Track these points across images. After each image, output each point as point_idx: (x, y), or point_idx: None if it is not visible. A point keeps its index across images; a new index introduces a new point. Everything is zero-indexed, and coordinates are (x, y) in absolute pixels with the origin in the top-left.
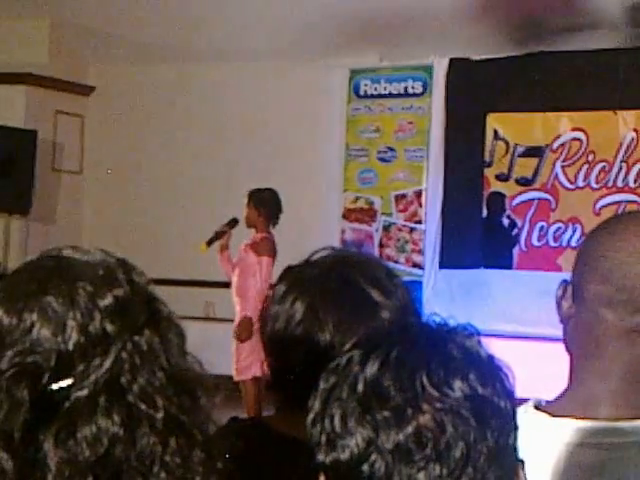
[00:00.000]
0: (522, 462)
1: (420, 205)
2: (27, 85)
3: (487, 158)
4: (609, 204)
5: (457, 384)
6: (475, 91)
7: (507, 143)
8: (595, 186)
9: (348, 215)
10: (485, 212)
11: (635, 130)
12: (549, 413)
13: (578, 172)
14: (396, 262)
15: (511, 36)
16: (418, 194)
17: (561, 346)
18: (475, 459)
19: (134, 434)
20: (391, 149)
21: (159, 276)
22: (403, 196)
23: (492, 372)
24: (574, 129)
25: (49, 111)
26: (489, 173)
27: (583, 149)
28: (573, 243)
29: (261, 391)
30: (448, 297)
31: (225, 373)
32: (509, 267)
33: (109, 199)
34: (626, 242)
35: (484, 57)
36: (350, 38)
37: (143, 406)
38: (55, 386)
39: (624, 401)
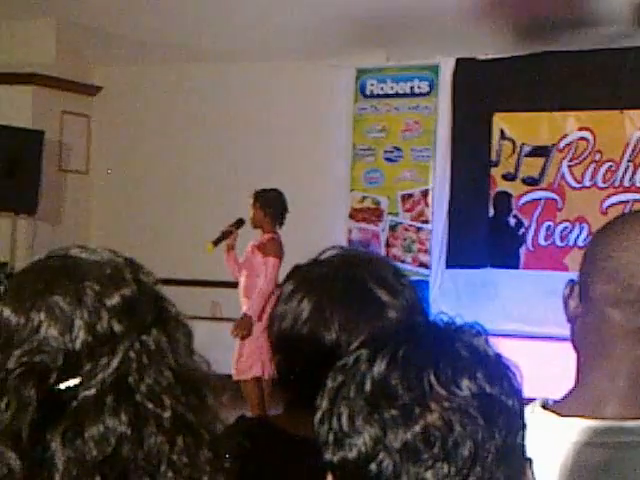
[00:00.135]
0: (530, 461)
1: (427, 205)
2: (33, 85)
3: (494, 158)
4: (616, 203)
5: (465, 383)
6: (481, 91)
7: (514, 143)
8: (602, 185)
9: (355, 215)
10: (492, 212)
11: None
12: (556, 412)
13: (585, 171)
14: (403, 262)
15: (517, 36)
16: (424, 194)
17: (567, 345)
18: (483, 458)
19: (141, 433)
20: (397, 149)
21: (165, 276)
22: (410, 196)
23: (500, 371)
24: (581, 129)
25: (55, 111)
26: (496, 173)
27: (590, 148)
28: (580, 243)
29: (264, 391)
30: (455, 297)
31: (232, 373)
32: (516, 267)
33: (115, 199)
34: (633, 241)
35: (490, 57)
36: (356, 38)
37: (150, 405)
38: (62, 385)
39: (631, 400)
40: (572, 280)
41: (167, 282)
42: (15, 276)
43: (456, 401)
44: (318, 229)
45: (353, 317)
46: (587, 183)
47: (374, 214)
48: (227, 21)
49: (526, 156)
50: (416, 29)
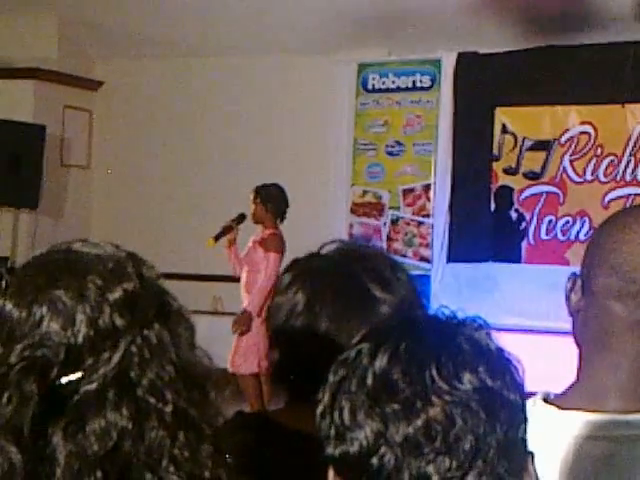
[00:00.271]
0: (532, 455)
1: (428, 199)
2: (35, 80)
3: (495, 152)
4: (617, 197)
5: (466, 377)
6: (483, 85)
7: (515, 137)
8: (603, 180)
9: (356, 209)
10: (493, 206)
11: None
12: (558, 406)
13: (586, 166)
14: (404, 256)
15: (519, 30)
16: (426, 188)
17: (569, 340)
18: (484, 452)
19: (143, 428)
20: (399, 143)
21: (167, 270)
22: (411, 190)
23: (502, 365)
24: (582, 123)
25: (57, 106)
26: (497, 167)
27: (591, 143)
28: (581, 237)
29: (262, 386)
30: (456, 291)
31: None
32: (517, 261)
33: (117, 194)
34: (635, 235)
35: (492, 51)
36: (358, 32)
37: (152, 400)
38: (64, 380)
39: (633, 394)
40: (574, 274)
41: (168, 276)
42: (17, 270)
43: (458, 395)
44: (319, 224)
45: (343, 312)
46: (588, 177)
47: (375, 208)
48: (229, 16)
49: (528, 150)
50: (418, 23)
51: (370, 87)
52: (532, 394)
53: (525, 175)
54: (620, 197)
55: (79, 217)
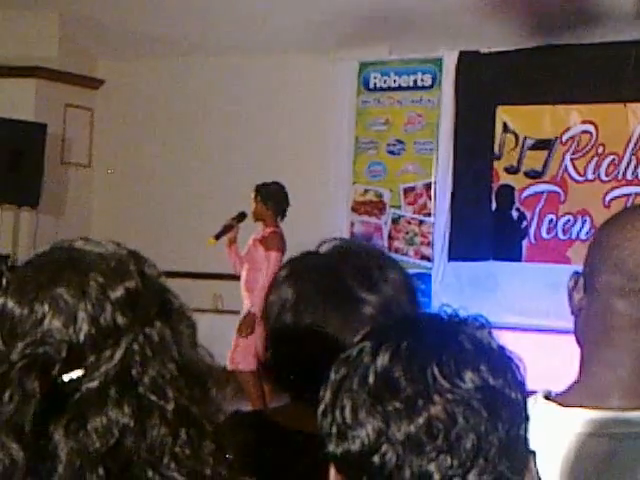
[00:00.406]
0: (533, 453)
1: (429, 198)
2: (37, 78)
3: (496, 151)
4: (619, 196)
5: (468, 375)
6: (484, 84)
7: (516, 136)
8: (605, 179)
9: (357, 208)
10: (494, 205)
11: None
12: (559, 404)
13: (587, 165)
14: (405, 255)
15: (520, 29)
16: (427, 187)
17: (570, 338)
18: (486, 450)
19: (144, 425)
20: (400, 142)
21: (167, 268)
22: (412, 189)
23: (503, 363)
24: (584, 122)
25: (58, 104)
26: (498, 166)
27: (592, 142)
28: (582, 235)
29: (263, 384)
30: (457, 290)
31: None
32: (518, 260)
33: (118, 192)
34: (638, 232)
35: (494, 50)
36: (359, 31)
37: (154, 397)
38: (66, 377)
39: (634, 391)
40: (576, 272)
41: (169, 275)
42: (19, 268)
43: (459, 393)
44: (320, 222)
45: (324, 311)
46: (590, 176)
47: (376, 207)
48: (230, 15)
49: (529, 149)
50: (419, 22)
51: (371, 86)
52: (533, 393)
53: (526, 174)
54: (621, 196)
55: (80, 215)
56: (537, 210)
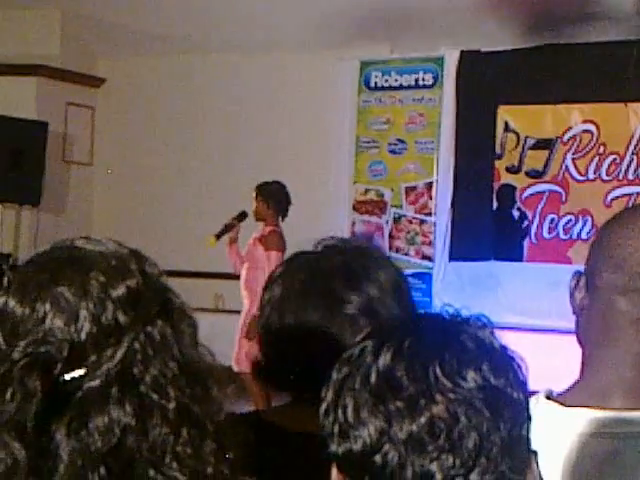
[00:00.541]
0: (535, 453)
1: (430, 197)
2: (38, 77)
3: (498, 150)
4: (620, 196)
5: (470, 375)
6: (486, 83)
7: (518, 135)
8: (606, 178)
9: (358, 207)
10: (495, 204)
11: None
12: (561, 403)
13: (589, 164)
14: (406, 254)
15: (522, 28)
16: (428, 186)
17: (571, 338)
18: (488, 450)
19: (146, 424)
20: (401, 141)
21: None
22: (413, 188)
23: (505, 363)
24: (585, 121)
25: (60, 103)
26: (499, 165)
27: (594, 141)
28: (583, 235)
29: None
30: (458, 289)
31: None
32: (519, 259)
33: (119, 190)
34: (639, 231)
35: (495, 49)
36: (361, 30)
37: (155, 396)
38: (67, 376)
39: (637, 391)
40: (578, 272)
41: (169, 274)
42: (20, 267)
43: (461, 393)
44: (321, 222)
45: (305, 310)
46: (591, 176)
47: (378, 206)
48: (232, 13)
49: (530, 149)
50: (420, 21)
51: (372, 85)
52: (535, 393)
53: (527, 174)
54: (622, 196)
55: (81, 214)
56: (538, 210)
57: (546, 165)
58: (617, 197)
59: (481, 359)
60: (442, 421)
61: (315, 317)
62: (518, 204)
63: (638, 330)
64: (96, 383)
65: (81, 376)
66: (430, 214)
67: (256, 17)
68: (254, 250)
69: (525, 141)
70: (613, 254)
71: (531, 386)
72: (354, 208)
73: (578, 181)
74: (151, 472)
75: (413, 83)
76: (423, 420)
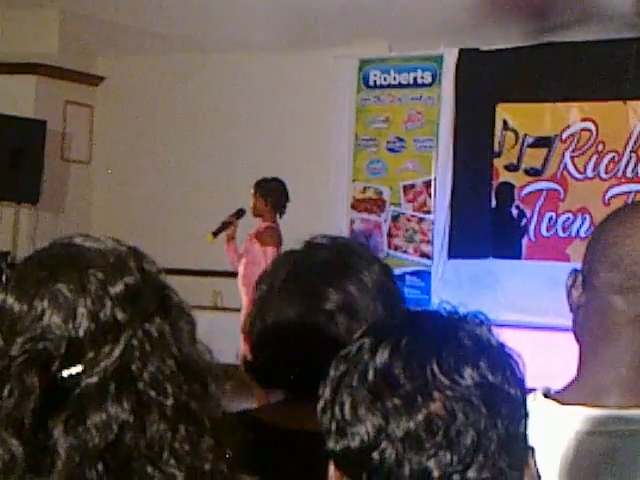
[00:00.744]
0: (532, 450)
1: (429, 195)
2: (37, 75)
3: (496, 148)
4: (618, 194)
5: (468, 372)
6: (485, 81)
7: (516, 133)
8: (604, 176)
9: (357, 205)
10: (494, 202)
11: None
12: (558, 401)
13: (587, 162)
14: (405, 252)
15: (521, 26)
16: (427, 184)
17: (569, 336)
18: (485, 447)
19: (144, 421)
20: (400, 139)
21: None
22: (412, 186)
23: (503, 360)
24: (584, 119)
25: (58, 101)
26: (498, 163)
27: (592, 139)
28: (582, 233)
29: None
30: (457, 287)
31: (233, 362)
32: (518, 257)
33: (117, 188)
34: (636, 229)
35: (494, 47)
36: (359, 28)
37: (153, 393)
38: (65, 373)
39: (634, 389)
40: (575, 270)
41: (168, 272)
42: (19, 264)
43: (459, 390)
44: (320, 220)
45: (285, 307)
46: (590, 174)
47: (376, 204)
48: (230, 13)
49: (529, 147)
50: (419, 19)
51: (371, 83)
52: (532, 390)
53: (526, 172)
54: (621, 194)
55: (80, 212)
56: (537, 208)
57: (545, 163)
58: (616, 195)
59: (478, 356)
60: (439, 418)
61: (292, 313)
62: (517, 202)
63: (635, 329)
64: (94, 380)
65: (79, 373)
66: (429, 212)
67: (254, 16)
68: (251, 246)
69: (524, 139)
70: (610, 253)
71: (530, 384)
72: (353, 206)
73: (577, 179)
74: (149, 468)
75: (412, 81)
76: (420, 417)
